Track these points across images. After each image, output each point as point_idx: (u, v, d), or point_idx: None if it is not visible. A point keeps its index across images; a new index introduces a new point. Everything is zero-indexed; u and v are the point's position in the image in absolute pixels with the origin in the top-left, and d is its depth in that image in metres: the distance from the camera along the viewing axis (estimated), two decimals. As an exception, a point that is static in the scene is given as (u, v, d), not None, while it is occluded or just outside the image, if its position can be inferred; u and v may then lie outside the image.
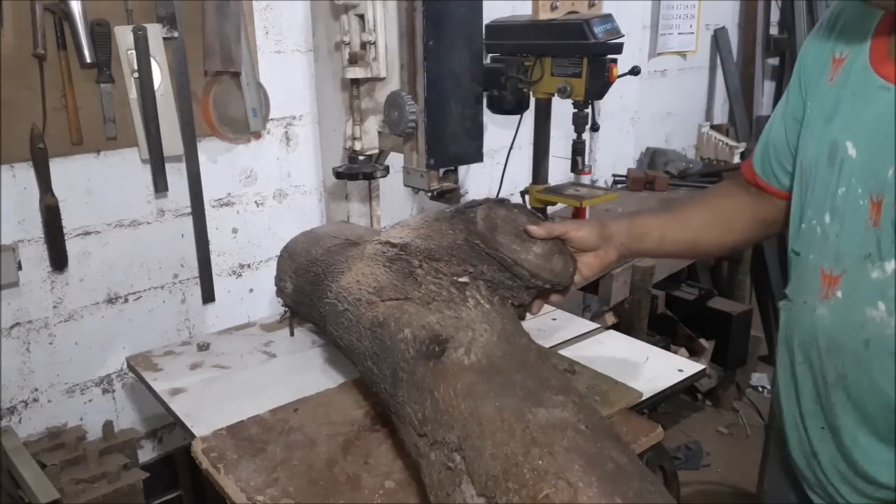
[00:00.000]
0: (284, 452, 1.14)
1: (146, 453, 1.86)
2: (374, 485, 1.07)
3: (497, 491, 0.80)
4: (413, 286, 1.11)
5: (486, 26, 2.02)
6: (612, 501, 0.76)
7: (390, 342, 1.07)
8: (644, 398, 1.35)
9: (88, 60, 1.57)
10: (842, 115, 0.96)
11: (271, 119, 1.93)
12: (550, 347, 1.55)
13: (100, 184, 1.68)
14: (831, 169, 0.95)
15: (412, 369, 1.01)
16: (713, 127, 3.52)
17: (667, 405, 2.86)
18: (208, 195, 1.85)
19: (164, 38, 1.68)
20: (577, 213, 2.33)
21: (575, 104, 1.99)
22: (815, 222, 0.99)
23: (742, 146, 3.35)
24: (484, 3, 1.35)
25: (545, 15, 1.99)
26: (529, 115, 2.16)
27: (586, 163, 2.14)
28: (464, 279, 1.10)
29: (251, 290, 2.00)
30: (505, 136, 2.28)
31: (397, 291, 1.12)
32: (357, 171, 1.58)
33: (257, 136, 1.92)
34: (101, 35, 1.57)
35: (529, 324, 1.69)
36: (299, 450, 1.15)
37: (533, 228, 1.15)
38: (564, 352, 1.53)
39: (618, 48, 1.91)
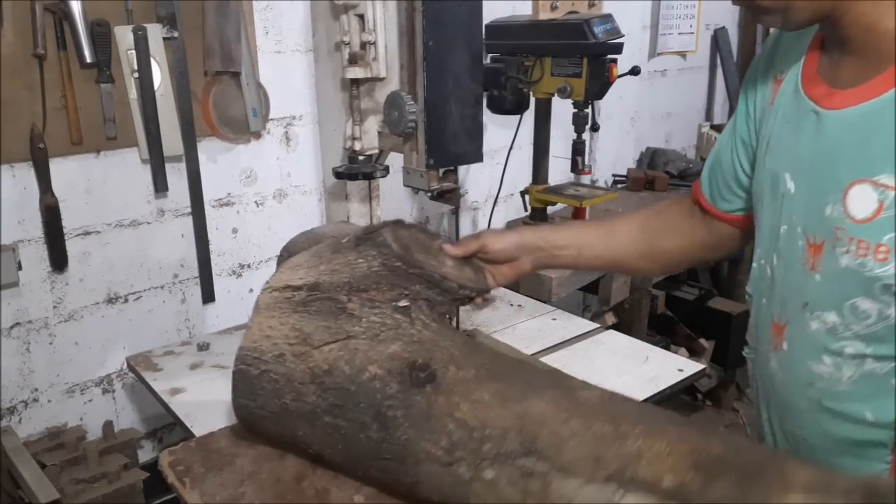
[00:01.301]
0: (252, 465, 1.11)
1: (146, 453, 1.86)
2: (343, 499, 1.03)
3: (606, 470, 0.77)
4: (350, 322, 1.01)
5: (486, 26, 2.03)
6: (722, 446, 0.76)
7: (354, 387, 0.95)
8: (644, 398, 1.35)
9: (88, 60, 1.57)
10: (778, 143, 0.88)
11: (271, 119, 1.94)
12: (550, 347, 1.55)
13: (100, 184, 1.68)
14: (774, 204, 0.88)
15: (407, 403, 0.92)
16: (713, 127, 3.52)
17: (667, 405, 2.85)
18: (208, 195, 1.85)
19: (164, 38, 1.68)
20: (578, 213, 2.34)
21: (575, 104, 1.99)
22: (763, 262, 0.92)
23: (742, 146, 3.35)
24: (484, 3, 1.35)
25: (545, 15, 1.99)
26: (529, 115, 2.17)
27: (586, 163, 2.14)
28: (404, 303, 1.04)
29: (251, 290, 2.00)
30: (505, 136, 2.29)
31: (332, 333, 1.00)
32: (357, 171, 1.58)
33: (257, 136, 1.92)
34: (101, 35, 1.58)
35: (530, 324, 1.69)
36: (268, 462, 1.11)
37: (449, 247, 1.14)
38: (563, 351, 1.53)
39: (618, 48, 1.91)
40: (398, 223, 1.14)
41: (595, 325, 1.68)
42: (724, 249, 1.14)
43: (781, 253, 0.86)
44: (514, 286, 1.98)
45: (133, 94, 1.66)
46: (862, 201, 0.75)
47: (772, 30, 0.97)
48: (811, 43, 0.86)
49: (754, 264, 0.96)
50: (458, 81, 1.34)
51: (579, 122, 2.01)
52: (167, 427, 1.91)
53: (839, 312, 0.80)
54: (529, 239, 1.19)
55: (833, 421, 0.84)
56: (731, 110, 3.64)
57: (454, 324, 1.55)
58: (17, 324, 1.63)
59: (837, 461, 0.85)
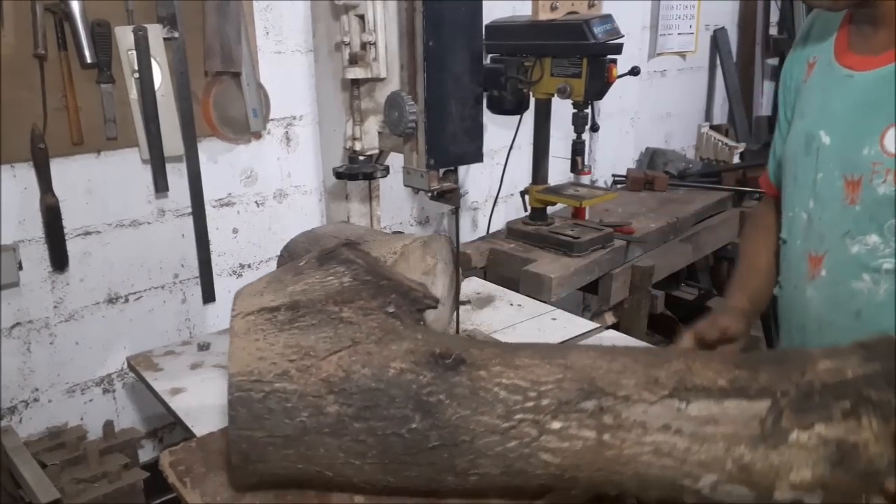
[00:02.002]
0: None
1: (146, 453, 1.86)
2: (343, 499, 1.03)
3: (665, 389, 0.86)
4: (350, 330, 0.98)
5: (486, 27, 2.03)
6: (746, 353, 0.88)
7: (383, 384, 0.93)
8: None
9: (89, 61, 1.57)
10: (813, 109, 1.04)
11: (272, 119, 1.94)
12: (550, 347, 1.55)
13: (100, 184, 1.69)
14: (809, 158, 1.03)
15: (448, 386, 0.92)
16: (713, 127, 3.52)
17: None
18: (209, 195, 1.85)
19: (165, 39, 1.68)
20: (577, 213, 2.34)
21: (575, 104, 1.99)
22: (798, 209, 1.05)
23: (741, 146, 3.36)
24: (484, 3, 1.35)
25: (545, 15, 1.99)
26: (529, 116, 2.17)
27: (586, 163, 2.15)
28: (392, 309, 1.04)
29: (251, 290, 2.00)
30: (505, 136, 2.29)
31: (335, 342, 0.97)
32: (357, 172, 1.58)
33: (258, 136, 1.93)
34: (102, 35, 1.58)
35: (530, 324, 1.69)
36: None
37: (689, 337, 1.15)
38: (564, 351, 1.53)
39: (617, 48, 1.92)
40: (350, 244, 1.15)
41: (595, 325, 1.69)
42: None
43: (819, 196, 1.01)
44: (514, 286, 1.98)
45: (133, 94, 1.66)
46: None
47: (803, 21, 1.15)
48: (840, 25, 1.04)
49: (789, 214, 1.09)
50: (459, 82, 1.34)
51: (579, 123, 2.01)
52: (167, 427, 1.91)
53: (880, 233, 0.95)
54: (740, 305, 1.24)
55: (870, 329, 0.91)
56: (731, 110, 3.66)
57: (454, 324, 1.56)
58: (18, 324, 1.63)
59: None
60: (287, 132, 1.99)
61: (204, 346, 1.61)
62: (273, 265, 1.97)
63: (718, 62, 3.57)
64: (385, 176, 1.62)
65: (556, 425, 0.87)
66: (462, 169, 1.47)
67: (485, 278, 2.07)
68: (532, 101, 2.11)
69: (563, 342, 1.58)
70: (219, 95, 1.80)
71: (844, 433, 0.79)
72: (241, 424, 0.94)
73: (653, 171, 2.98)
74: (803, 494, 0.80)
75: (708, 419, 0.83)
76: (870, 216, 0.95)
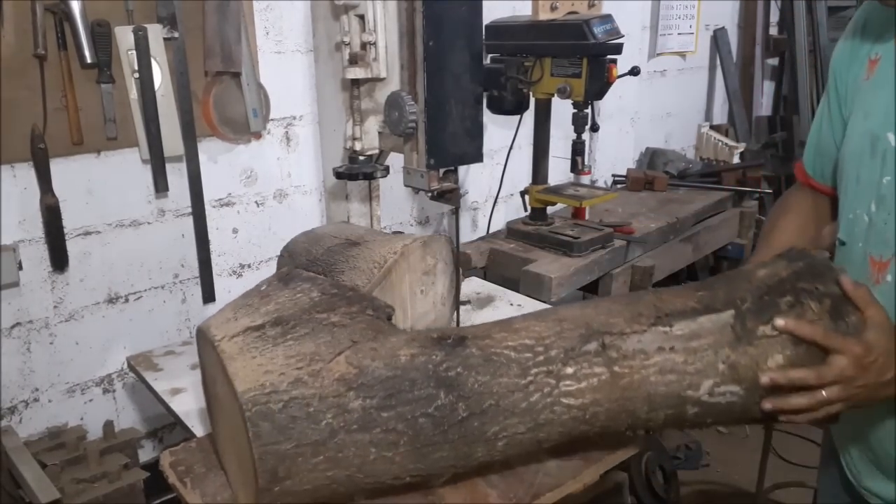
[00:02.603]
0: None
1: (147, 453, 1.86)
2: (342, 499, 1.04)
3: (650, 318, 0.99)
4: (346, 332, 0.99)
5: (486, 27, 2.03)
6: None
7: (400, 371, 0.95)
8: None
9: (89, 61, 1.57)
10: (880, 110, 1.02)
11: (272, 119, 1.94)
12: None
13: (100, 184, 1.69)
14: (874, 160, 1.01)
15: (461, 359, 0.97)
16: (713, 127, 3.52)
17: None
18: (209, 195, 1.85)
19: (165, 39, 1.68)
20: (577, 213, 2.34)
21: (575, 104, 2.00)
22: (860, 212, 1.04)
23: (741, 146, 3.36)
24: (484, 3, 1.35)
25: (545, 15, 1.99)
26: (529, 116, 2.17)
27: (586, 163, 2.15)
28: (370, 312, 1.06)
29: (251, 290, 2.00)
30: (505, 136, 2.29)
31: (336, 345, 0.97)
32: (357, 172, 1.58)
33: (258, 136, 1.93)
34: (102, 35, 1.58)
35: (529, 324, 1.69)
36: None
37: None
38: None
39: (617, 48, 1.92)
40: (299, 269, 1.19)
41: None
42: (830, 218, 1.28)
43: (884, 200, 1.01)
44: (514, 286, 1.98)
45: (133, 94, 1.66)
46: None
47: (850, 26, 1.13)
48: None
49: (849, 215, 1.08)
50: (459, 82, 1.34)
51: (579, 123, 2.01)
52: (168, 427, 1.91)
53: None
54: None
55: None
56: (731, 110, 3.65)
57: (454, 324, 1.56)
58: (18, 324, 1.63)
59: None
60: (287, 132, 1.99)
61: (204, 346, 1.61)
62: (273, 265, 1.97)
63: (718, 62, 3.57)
64: (385, 176, 1.62)
65: (569, 370, 0.96)
66: (462, 169, 1.47)
67: (485, 278, 2.07)
68: (532, 101, 2.11)
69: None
70: (219, 95, 1.80)
71: (794, 319, 0.94)
72: (267, 439, 0.90)
73: (653, 171, 2.98)
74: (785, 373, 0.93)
75: (692, 335, 0.97)
76: None
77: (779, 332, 0.94)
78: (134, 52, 1.63)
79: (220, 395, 1.04)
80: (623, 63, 1.96)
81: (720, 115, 3.72)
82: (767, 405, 0.94)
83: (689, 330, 0.97)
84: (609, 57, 1.91)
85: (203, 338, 1.04)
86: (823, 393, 0.91)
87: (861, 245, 1.05)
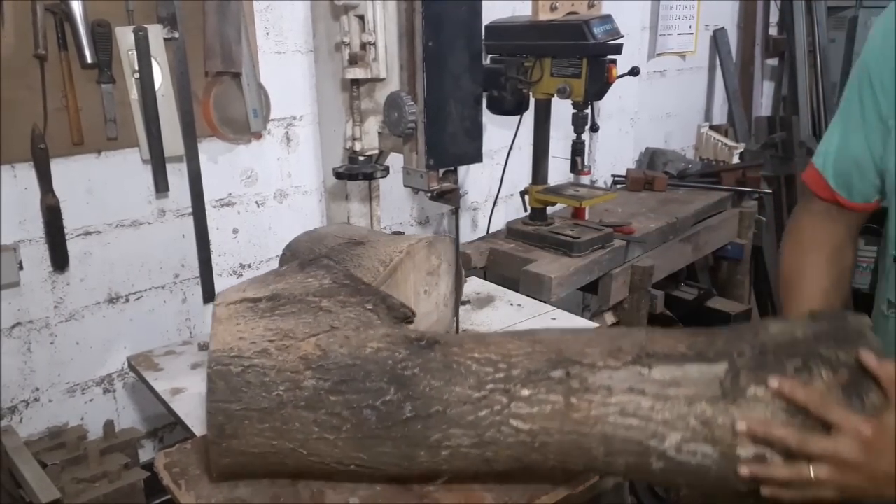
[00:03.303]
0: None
1: (147, 453, 1.86)
2: (338, 500, 1.05)
3: (628, 356, 0.91)
4: (329, 317, 1.02)
5: (486, 27, 2.03)
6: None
7: (360, 361, 0.97)
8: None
9: (89, 61, 1.57)
10: None
11: (272, 119, 1.94)
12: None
13: (101, 184, 1.69)
14: None
15: (422, 360, 0.96)
16: (712, 127, 3.52)
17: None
18: (209, 195, 1.85)
19: (165, 39, 1.68)
20: (577, 213, 2.34)
21: (574, 105, 2.00)
22: None
23: (741, 146, 3.36)
24: (484, 3, 1.36)
25: (545, 16, 1.99)
26: (529, 116, 2.17)
27: (586, 163, 2.15)
28: (370, 306, 1.07)
29: (251, 290, 2.00)
30: (505, 136, 2.29)
31: (314, 327, 1.01)
32: (357, 172, 1.59)
33: (258, 136, 1.93)
34: (102, 35, 1.58)
35: (531, 323, 1.69)
36: None
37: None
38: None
39: (617, 49, 1.92)
40: (331, 257, 1.23)
41: (595, 325, 1.69)
42: (856, 232, 1.17)
43: None
44: (514, 286, 1.98)
45: (134, 94, 1.66)
46: None
47: (891, 14, 1.00)
48: None
49: None
50: (458, 82, 1.35)
51: (579, 123, 2.01)
52: (168, 427, 1.91)
53: None
54: None
55: None
56: (731, 110, 3.65)
57: (454, 324, 1.56)
58: (18, 324, 1.63)
59: None
60: (287, 132, 1.99)
61: (204, 346, 1.61)
62: (273, 265, 1.97)
63: (718, 62, 3.57)
64: (385, 176, 1.62)
65: (525, 392, 0.92)
66: (462, 169, 1.48)
67: (485, 278, 2.07)
68: (532, 101, 2.11)
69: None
70: (219, 95, 1.80)
71: (789, 380, 0.83)
72: (219, 397, 0.97)
73: (652, 171, 2.98)
74: (764, 449, 0.82)
75: (671, 382, 0.88)
76: None
77: (773, 394, 0.83)
78: (134, 52, 1.63)
79: None
80: (623, 63, 1.96)
81: (720, 116, 3.72)
82: (744, 470, 0.82)
83: (671, 376, 0.88)
84: (609, 57, 1.91)
85: (216, 298, 1.12)
86: (810, 470, 0.78)
87: None
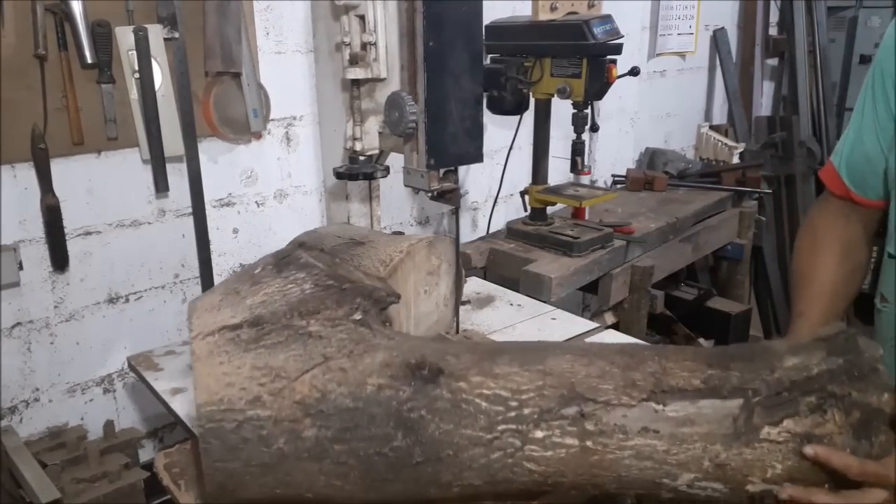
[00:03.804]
0: None
1: (147, 453, 1.86)
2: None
3: (643, 392, 0.89)
4: (320, 345, 0.95)
5: (486, 27, 2.03)
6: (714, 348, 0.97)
7: (362, 403, 0.91)
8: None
9: (89, 61, 1.57)
10: None
11: (272, 119, 1.94)
12: (550, 347, 1.55)
13: (101, 184, 1.69)
14: None
15: (428, 400, 0.91)
16: (712, 127, 3.52)
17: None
18: (209, 195, 1.85)
19: (165, 39, 1.68)
20: (577, 213, 2.34)
21: (574, 105, 2.00)
22: None
23: (741, 146, 3.36)
24: (484, 3, 1.35)
25: (545, 16, 1.99)
26: (529, 116, 2.17)
27: (586, 163, 2.15)
28: (358, 316, 1.01)
29: (251, 290, 2.00)
30: (505, 136, 2.29)
31: (306, 360, 0.93)
32: (357, 172, 1.58)
33: (258, 136, 1.93)
34: (102, 35, 1.58)
35: (530, 324, 1.69)
36: None
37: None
38: (564, 351, 1.53)
39: (617, 49, 1.92)
40: (304, 245, 1.13)
41: (594, 325, 1.69)
42: (870, 231, 1.18)
43: None
44: (514, 286, 1.98)
45: (134, 94, 1.66)
46: None
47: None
48: None
49: None
50: (459, 82, 1.35)
51: (579, 123, 2.01)
52: (168, 427, 1.91)
53: None
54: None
55: None
56: (731, 110, 3.65)
57: (455, 324, 1.56)
58: (18, 324, 1.63)
59: None
60: (287, 132, 1.99)
61: (204, 346, 1.61)
62: (273, 265, 1.97)
63: (718, 62, 3.57)
64: (385, 176, 1.62)
65: (538, 434, 0.89)
66: (462, 169, 1.47)
67: (485, 278, 2.07)
68: (532, 101, 2.11)
69: (562, 341, 1.58)
70: (219, 95, 1.80)
71: (811, 427, 0.84)
72: (215, 457, 0.91)
73: (652, 171, 2.99)
74: (774, 487, 0.86)
75: (685, 420, 0.87)
76: None
77: (789, 438, 0.84)
78: (134, 52, 1.63)
79: None
80: (623, 63, 1.96)
81: (720, 116, 3.72)
82: (784, 495, 0.84)
83: (685, 413, 0.88)
84: (609, 57, 1.91)
85: (188, 319, 1.03)
86: None
87: None
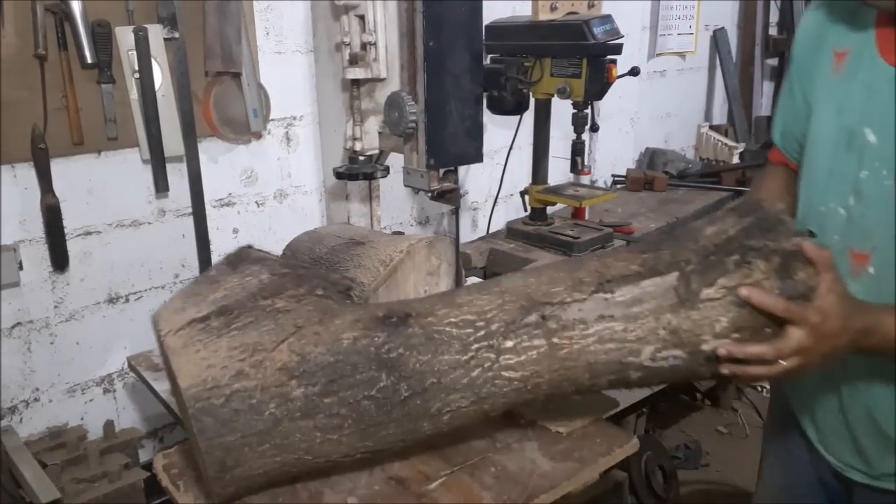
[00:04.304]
0: None
1: (147, 453, 1.86)
2: (337, 499, 1.04)
3: (591, 286, 0.99)
4: (290, 318, 0.99)
5: (486, 27, 2.03)
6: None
7: (342, 356, 0.95)
8: (644, 397, 1.36)
9: (89, 61, 1.57)
10: (856, 105, 1.02)
11: (272, 119, 1.94)
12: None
13: (101, 184, 1.69)
14: (850, 155, 1.02)
15: (403, 339, 0.97)
16: (712, 127, 3.52)
17: (666, 405, 2.86)
18: (209, 195, 1.85)
19: (165, 39, 1.68)
20: (577, 213, 2.34)
21: (574, 105, 1.99)
22: (833, 205, 1.05)
23: (741, 146, 3.36)
24: (484, 3, 1.36)
25: (545, 16, 1.99)
26: (529, 116, 2.17)
27: (586, 163, 2.15)
28: (320, 292, 1.04)
29: (251, 290, 2.00)
30: (505, 136, 2.29)
31: (279, 332, 0.97)
32: (357, 172, 1.59)
33: (258, 136, 1.93)
34: (102, 35, 1.58)
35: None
36: None
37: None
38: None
39: (617, 49, 1.92)
40: (250, 246, 1.17)
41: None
42: None
43: (862, 194, 1.01)
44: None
45: (134, 94, 1.66)
46: None
47: (810, 15, 1.16)
48: (878, 20, 1.02)
49: (820, 208, 1.08)
50: (459, 82, 1.35)
51: (579, 123, 2.01)
52: (168, 427, 1.91)
53: None
54: None
55: None
56: (731, 110, 3.66)
57: None
58: (18, 323, 1.63)
59: None
60: (287, 132, 1.99)
61: (204, 346, 1.61)
62: (273, 265, 1.97)
63: (718, 62, 3.57)
64: (385, 176, 1.62)
65: (509, 343, 0.97)
66: (462, 169, 1.48)
67: (485, 278, 2.07)
68: (532, 101, 2.11)
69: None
70: (219, 95, 1.80)
71: (741, 279, 0.93)
72: (210, 434, 0.92)
73: (652, 172, 2.99)
74: (724, 340, 0.95)
75: (633, 301, 0.97)
76: None
77: (725, 293, 0.94)
78: (134, 52, 1.63)
79: (175, 380, 1.05)
80: (623, 63, 1.96)
81: (720, 116, 3.72)
82: (725, 370, 0.95)
83: (632, 295, 0.97)
84: (609, 57, 1.91)
85: (155, 328, 1.05)
86: (783, 363, 0.93)
87: (838, 238, 1.05)
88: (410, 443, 1.03)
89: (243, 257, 1.11)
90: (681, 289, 0.95)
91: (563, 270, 1.03)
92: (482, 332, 0.97)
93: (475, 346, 0.97)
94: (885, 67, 0.99)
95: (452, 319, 0.99)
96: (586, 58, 1.89)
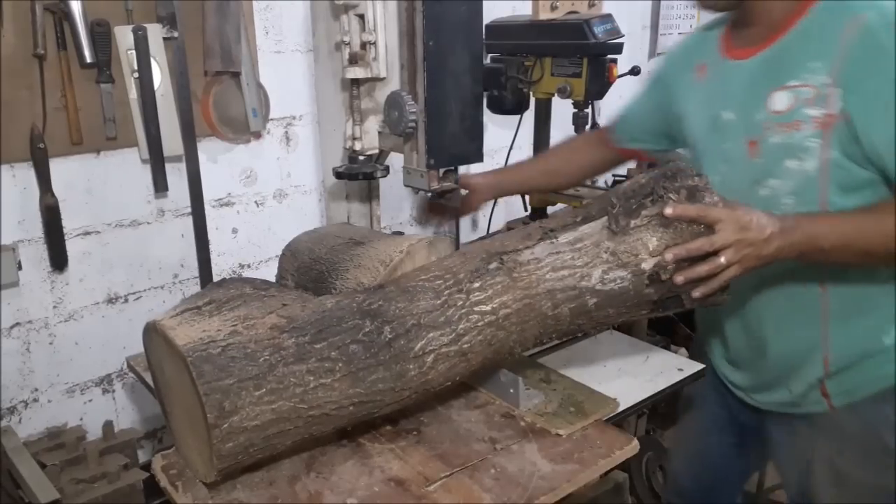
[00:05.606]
0: (245, 468, 1.09)
1: (146, 453, 1.86)
2: (336, 500, 1.04)
3: (544, 229, 1.19)
4: (277, 300, 1.13)
5: (487, 26, 2.02)
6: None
7: (328, 311, 1.08)
8: (644, 398, 1.35)
9: (88, 60, 1.57)
10: (716, 98, 1.28)
11: (271, 119, 1.94)
12: (550, 347, 1.55)
13: (100, 184, 1.68)
14: (716, 134, 1.27)
15: (382, 294, 1.11)
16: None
17: (667, 405, 2.85)
18: (208, 195, 1.85)
19: (164, 38, 1.68)
20: (577, 213, 2.34)
21: (575, 104, 1.99)
22: (712, 175, 1.21)
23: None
24: (484, 3, 1.35)
25: (545, 15, 1.99)
26: (529, 115, 2.17)
27: (586, 163, 2.14)
28: (303, 294, 1.21)
29: (251, 290, 2.00)
30: (505, 136, 2.29)
31: (269, 307, 1.11)
32: (357, 171, 1.58)
33: (257, 136, 1.92)
34: (101, 35, 1.58)
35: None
36: (261, 466, 1.11)
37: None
38: (563, 351, 1.53)
39: (618, 48, 1.92)
40: (230, 278, 1.33)
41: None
42: (608, 169, 1.76)
43: (729, 159, 1.24)
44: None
45: (133, 94, 1.66)
46: (780, 101, 1.15)
47: (676, 47, 1.50)
48: (722, 33, 1.33)
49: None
50: (459, 81, 1.34)
51: (579, 122, 2.01)
52: (167, 427, 1.91)
53: (778, 177, 1.17)
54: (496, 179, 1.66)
55: None
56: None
57: None
58: (18, 324, 1.63)
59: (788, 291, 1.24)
60: (287, 132, 1.99)
61: (204, 347, 1.61)
62: (273, 265, 1.96)
63: (718, 62, 3.56)
64: (385, 176, 1.62)
65: (476, 284, 1.12)
66: (462, 168, 1.47)
67: (485, 278, 2.06)
68: (532, 100, 2.11)
69: (562, 341, 1.58)
70: (218, 95, 1.80)
71: (660, 209, 1.09)
72: (209, 378, 0.97)
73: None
74: (659, 258, 1.09)
75: (575, 240, 1.14)
76: (769, 164, 1.17)
77: (649, 219, 1.10)
78: (133, 51, 1.63)
79: (167, 373, 1.10)
80: (623, 63, 1.96)
81: (720, 115, 3.72)
82: (679, 278, 1.08)
83: (573, 236, 1.15)
84: (609, 56, 1.91)
85: (147, 332, 1.13)
86: (721, 258, 1.05)
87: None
88: (399, 393, 1.08)
89: (228, 281, 1.23)
90: (612, 224, 1.13)
91: (514, 234, 1.22)
92: (451, 281, 1.12)
93: (447, 291, 1.11)
94: (728, 63, 1.26)
95: (423, 276, 1.14)
96: (587, 57, 1.89)
